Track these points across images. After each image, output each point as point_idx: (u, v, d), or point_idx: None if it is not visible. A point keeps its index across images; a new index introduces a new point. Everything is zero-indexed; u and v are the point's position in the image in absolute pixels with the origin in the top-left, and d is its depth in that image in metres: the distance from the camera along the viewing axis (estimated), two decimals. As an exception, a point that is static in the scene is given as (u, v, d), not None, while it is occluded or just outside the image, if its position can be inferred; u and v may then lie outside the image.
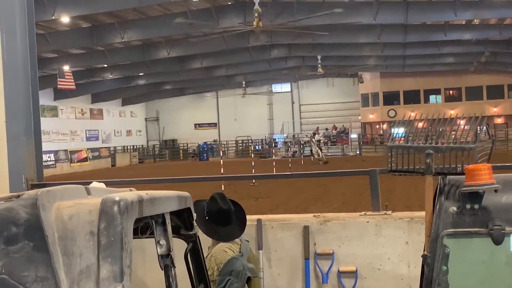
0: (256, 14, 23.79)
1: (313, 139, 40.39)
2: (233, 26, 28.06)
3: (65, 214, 2.11)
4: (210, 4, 29.00)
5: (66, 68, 35.62)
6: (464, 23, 33.50)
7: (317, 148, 38.51)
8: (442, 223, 2.89)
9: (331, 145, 55.72)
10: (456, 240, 2.86)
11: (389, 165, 3.28)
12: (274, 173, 23.93)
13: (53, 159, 44.55)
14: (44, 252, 1.99)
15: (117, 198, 2.12)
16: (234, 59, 41.49)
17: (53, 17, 25.09)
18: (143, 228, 2.83)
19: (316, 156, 37.71)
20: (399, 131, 3.58)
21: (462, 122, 3.38)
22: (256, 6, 23.74)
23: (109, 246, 2.03)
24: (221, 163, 24.68)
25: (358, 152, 52.67)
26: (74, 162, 47.60)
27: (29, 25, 6.18)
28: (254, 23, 24.19)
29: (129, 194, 2.25)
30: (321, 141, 56.01)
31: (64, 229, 2.07)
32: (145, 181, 8.31)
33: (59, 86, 35.26)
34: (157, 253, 2.70)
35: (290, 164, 34.51)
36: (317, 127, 55.65)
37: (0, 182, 5.75)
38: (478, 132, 3.27)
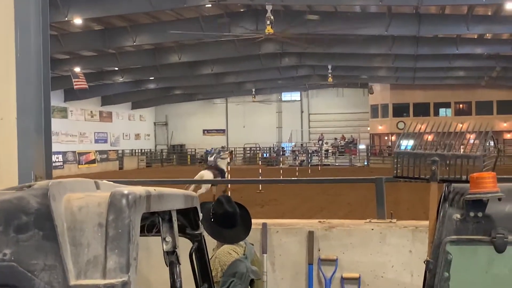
0: (268, 22, 23.91)
1: (219, 155, 22.63)
2: (245, 33, 28.15)
3: (74, 205, 2.15)
4: (223, 11, 29.09)
5: (77, 69, 35.78)
6: (476, 37, 33.45)
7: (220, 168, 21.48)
8: (446, 230, 2.91)
9: (339, 155, 55.69)
10: (458, 247, 2.88)
11: (395, 171, 3.31)
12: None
13: (61, 160, 44.74)
14: (53, 242, 2.03)
15: (125, 192, 2.16)
16: (245, 66, 41.52)
17: (66, 19, 25.24)
18: (149, 226, 2.86)
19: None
20: (408, 143, 3.60)
21: (472, 136, 3.39)
22: (268, 14, 23.86)
23: (117, 238, 2.07)
24: (228, 169, 24.67)
25: (365, 163, 52.55)
26: (82, 164, 47.78)
27: (43, 24, 6.22)
28: (266, 30, 24.29)
29: (138, 189, 2.28)
30: (329, 151, 56.03)
31: (73, 220, 2.12)
32: (153, 182, 8.36)
33: (75, 87, 35.33)
34: (163, 250, 2.73)
35: (297, 173, 34.49)
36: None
37: (9, 178, 5.79)
38: (487, 145, 3.29)
